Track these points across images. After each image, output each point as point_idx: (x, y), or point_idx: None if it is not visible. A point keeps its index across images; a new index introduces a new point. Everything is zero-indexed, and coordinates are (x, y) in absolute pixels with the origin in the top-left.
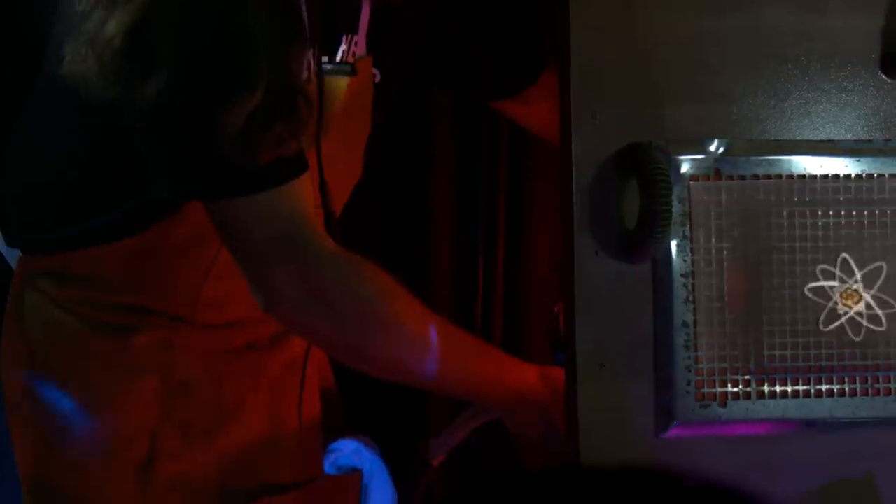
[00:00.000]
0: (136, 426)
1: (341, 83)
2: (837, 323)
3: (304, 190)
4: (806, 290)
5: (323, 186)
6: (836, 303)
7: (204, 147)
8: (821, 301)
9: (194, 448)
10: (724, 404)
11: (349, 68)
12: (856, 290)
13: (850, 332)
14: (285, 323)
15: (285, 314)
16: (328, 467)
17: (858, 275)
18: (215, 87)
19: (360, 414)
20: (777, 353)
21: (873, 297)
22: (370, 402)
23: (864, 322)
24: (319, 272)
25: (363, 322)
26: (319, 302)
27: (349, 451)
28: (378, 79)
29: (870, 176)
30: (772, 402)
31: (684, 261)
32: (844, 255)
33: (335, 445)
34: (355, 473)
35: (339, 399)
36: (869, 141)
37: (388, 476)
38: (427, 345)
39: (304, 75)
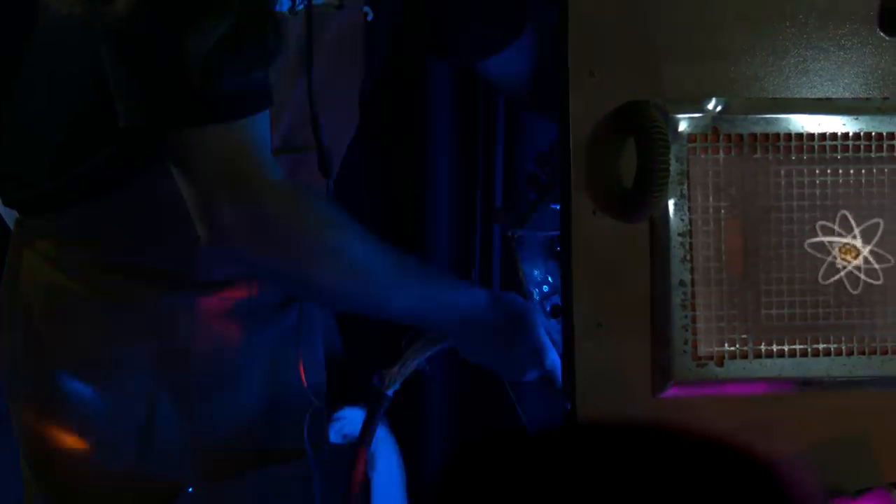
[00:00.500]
0: (134, 390)
1: (330, 17)
2: (836, 277)
3: (262, 126)
4: (806, 245)
5: (315, 122)
6: (834, 257)
7: (168, 70)
8: (819, 255)
9: (193, 413)
10: (721, 363)
11: (337, 1)
12: (854, 245)
13: (848, 286)
14: (228, 255)
15: (227, 246)
16: (334, 436)
17: (857, 230)
18: (186, 7)
19: (367, 381)
20: (774, 312)
21: (871, 252)
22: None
23: (863, 276)
24: (262, 203)
25: (306, 253)
26: (261, 233)
27: (355, 420)
28: (370, 17)
29: (868, 134)
30: (769, 361)
31: (682, 220)
32: (843, 211)
33: (341, 414)
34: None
35: (348, 367)
36: (867, 99)
37: (394, 445)
38: (374, 273)
39: (290, 5)
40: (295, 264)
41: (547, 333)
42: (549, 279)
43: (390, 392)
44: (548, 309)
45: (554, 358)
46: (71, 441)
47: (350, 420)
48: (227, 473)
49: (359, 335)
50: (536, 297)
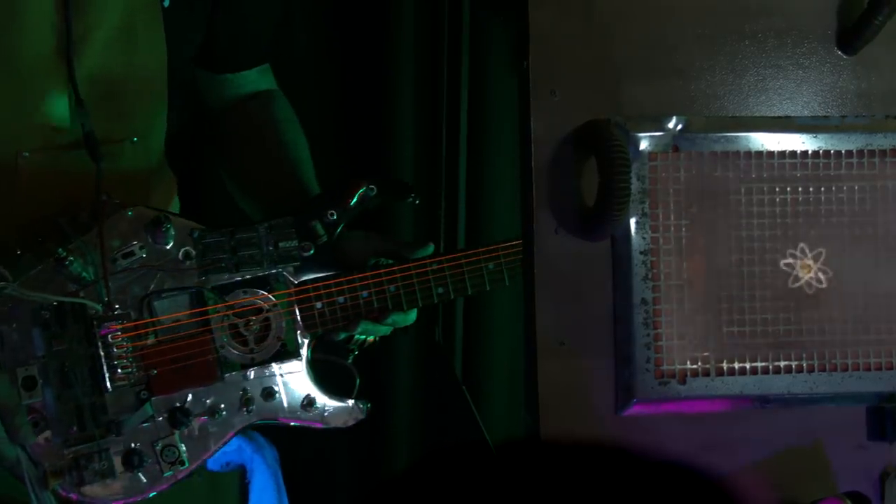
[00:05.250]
0: None
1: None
2: (794, 299)
3: None
4: (766, 262)
5: (80, 105)
6: (795, 275)
7: None
8: (780, 273)
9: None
10: (683, 381)
11: None
12: (810, 265)
13: (806, 308)
14: None
15: None
16: (212, 463)
17: (816, 248)
18: None
19: None
20: (736, 329)
21: (828, 272)
22: None
23: (822, 294)
24: None
25: None
26: None
27: (232, 449)
28: (166, 4)
29: (826, 152)
30: (730, 378)
31: (643, 238)
32: (803, 229)
33: None
34: (238, 470)
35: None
36: (825, 117)
37: (271, 474)
38: None
39: None
40: None
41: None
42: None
43: None
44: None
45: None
46: None
47: (233, 449)
48: None
49: None
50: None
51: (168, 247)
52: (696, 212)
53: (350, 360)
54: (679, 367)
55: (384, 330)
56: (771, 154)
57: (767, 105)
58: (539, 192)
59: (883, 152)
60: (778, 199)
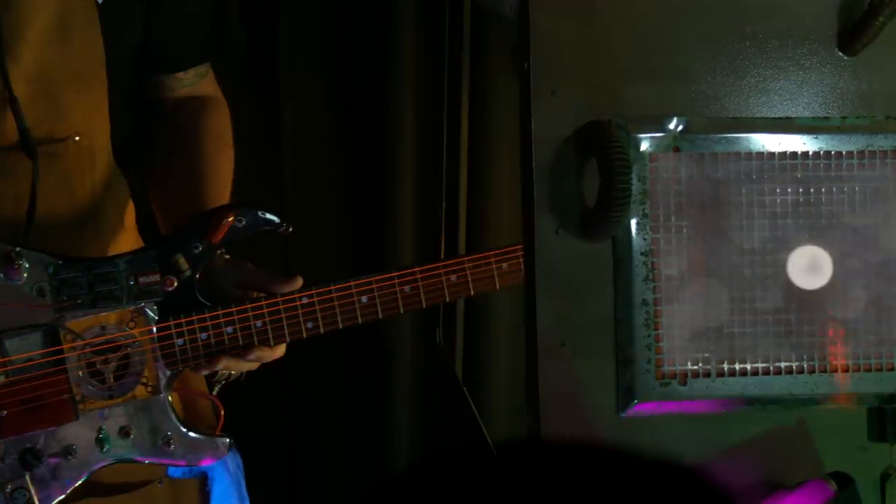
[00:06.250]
0: None
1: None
2: (795, 300)
3: None
4: (765, 266)
5: (14, 102)
6: (793, 279)
7: None
8: (779, 277)
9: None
10: (684, 382)
11: None
12: (814, 265)
13: (806, 309)
14: None
15: None
16: (174, 470)
17: (818, 249)
18: None
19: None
20: (736, 330)
21: (830, 272)
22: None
23: (819, 299)
24: None
25: None
26: None
27: None
28: (101, 1)
29: (827, 153)
30: (731, 379)
31: (644, 239)
32: (804, 230)
33: None
34: (199, 477)
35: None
36: (826, 118)
37: (233, 480)
38: None
39: None
40: None
41: None
42: None
43: None
44: None
45: None
46: None
47: None
48: None
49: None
50: None
51: (21, 283)
52: (697, 213)
53: (215, 394)
54: (680, 367)
55: (249, 366)
56: (772, 155)
57: (768, 106)
58: (540, 192)
59: (884, 153)
60: (779, 200)
